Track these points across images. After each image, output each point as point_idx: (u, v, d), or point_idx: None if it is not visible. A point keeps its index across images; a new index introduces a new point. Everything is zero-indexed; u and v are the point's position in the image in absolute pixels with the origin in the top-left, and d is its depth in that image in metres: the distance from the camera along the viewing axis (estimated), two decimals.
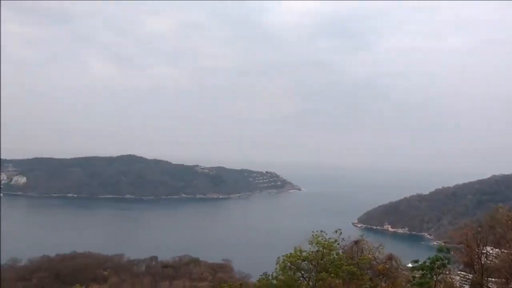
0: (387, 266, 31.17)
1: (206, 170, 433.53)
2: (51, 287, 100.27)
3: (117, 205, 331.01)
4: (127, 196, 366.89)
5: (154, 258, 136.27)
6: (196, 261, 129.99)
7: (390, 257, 31.92)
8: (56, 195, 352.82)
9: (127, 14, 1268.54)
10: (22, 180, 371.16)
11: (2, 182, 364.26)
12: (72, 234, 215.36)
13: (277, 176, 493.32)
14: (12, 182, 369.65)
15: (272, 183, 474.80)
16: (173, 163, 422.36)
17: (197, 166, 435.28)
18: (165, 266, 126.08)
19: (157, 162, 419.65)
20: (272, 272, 36.58)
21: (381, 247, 32.93)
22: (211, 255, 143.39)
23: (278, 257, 33.89)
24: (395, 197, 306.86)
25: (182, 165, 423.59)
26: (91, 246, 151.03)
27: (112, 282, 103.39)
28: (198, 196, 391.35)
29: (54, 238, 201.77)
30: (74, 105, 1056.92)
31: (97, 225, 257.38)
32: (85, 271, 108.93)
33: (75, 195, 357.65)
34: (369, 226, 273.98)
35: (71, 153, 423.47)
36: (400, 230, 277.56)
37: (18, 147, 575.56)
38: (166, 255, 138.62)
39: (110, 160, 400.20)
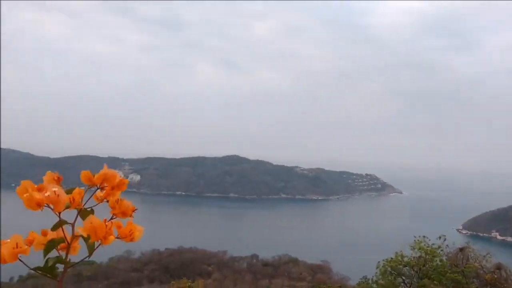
0: (495, 276, 29.83)
1: (305, 171, 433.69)
2: (160, 279, 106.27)
3: (222, 204, 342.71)
4: (231, 195, 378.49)
5: (255, 256, 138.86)
6: (295, 261, 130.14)
7: (499, 267, 30.48)
8: (165, 192, 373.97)
9: (233, 19, 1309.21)
10: (137, 178, 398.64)
11: None
12: (180, 230, 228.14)
13: (377, 178, 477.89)
14: (128, 180, 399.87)
15: (372, 186, 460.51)
16: (274, 164, 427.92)
17: (296, 167, 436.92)
18: (265, 264, 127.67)
19: (259, 162, 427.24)
20: (372, 276, 36.50)
21: (488, 255, 31.49)
22: (309, 255, 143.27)
23: (378, 261, 33.82)
24: (504, 203, 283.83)
25: (282, 166, 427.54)
26: (197, 242, 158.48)
27: (216, 278, 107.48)
28: (297, 196, 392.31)
29: (163, 233, 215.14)
30: (183, 109, 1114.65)
31: (202, 222, 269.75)
32: (191, 266, 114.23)
33: (183, 193, 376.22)
34: (474, 233, 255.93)
35: (180, 154, 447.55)
36: (509, 239, 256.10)
37: (133, 147, 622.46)
38: (266, 253, 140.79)
39: (215, 161, 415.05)
